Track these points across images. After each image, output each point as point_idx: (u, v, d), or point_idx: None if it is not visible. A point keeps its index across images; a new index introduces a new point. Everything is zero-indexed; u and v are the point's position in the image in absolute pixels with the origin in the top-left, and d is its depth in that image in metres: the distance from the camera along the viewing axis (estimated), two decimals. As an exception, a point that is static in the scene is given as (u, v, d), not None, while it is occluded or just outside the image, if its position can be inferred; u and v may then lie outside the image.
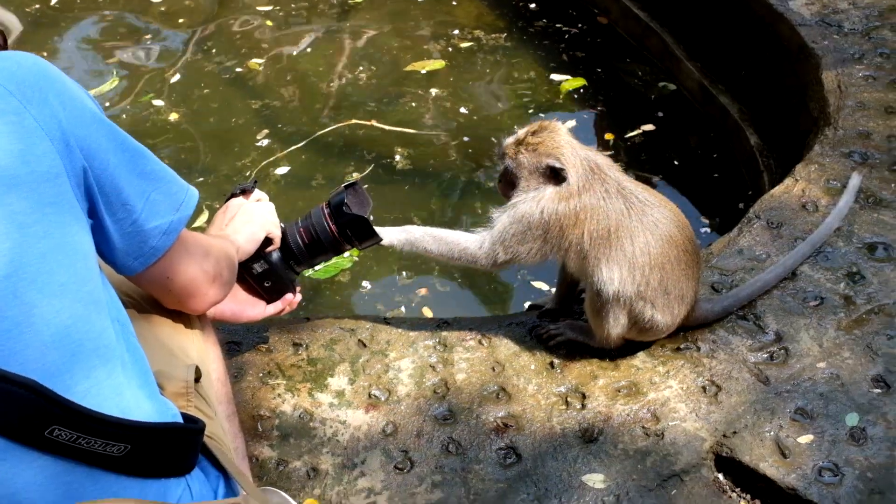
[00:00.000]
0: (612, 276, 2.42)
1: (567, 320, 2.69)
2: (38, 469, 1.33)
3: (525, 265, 2.54)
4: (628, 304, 2.45)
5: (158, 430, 1.44)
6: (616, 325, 2.49)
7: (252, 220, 2.14)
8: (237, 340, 2.67)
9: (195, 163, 4.37)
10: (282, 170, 4.29)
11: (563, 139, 2.44)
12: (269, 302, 2.31)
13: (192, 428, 1.53)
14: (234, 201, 2.20)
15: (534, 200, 2.42)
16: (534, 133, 2.46)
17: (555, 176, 2.41)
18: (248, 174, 4.25)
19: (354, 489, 2.29)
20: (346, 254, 2.72)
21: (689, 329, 2.65)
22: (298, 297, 2.35)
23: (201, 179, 4.23)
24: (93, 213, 1.48)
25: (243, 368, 2.58)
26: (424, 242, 2.57)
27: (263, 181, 4.22)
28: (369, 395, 2.52)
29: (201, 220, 3.90)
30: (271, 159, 4.34)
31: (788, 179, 3.24)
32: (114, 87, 4.87)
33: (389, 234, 2.55)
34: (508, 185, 2.51)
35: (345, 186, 2.36)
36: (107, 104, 4.74)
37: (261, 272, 2.24)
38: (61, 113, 1.41)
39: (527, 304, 3.11)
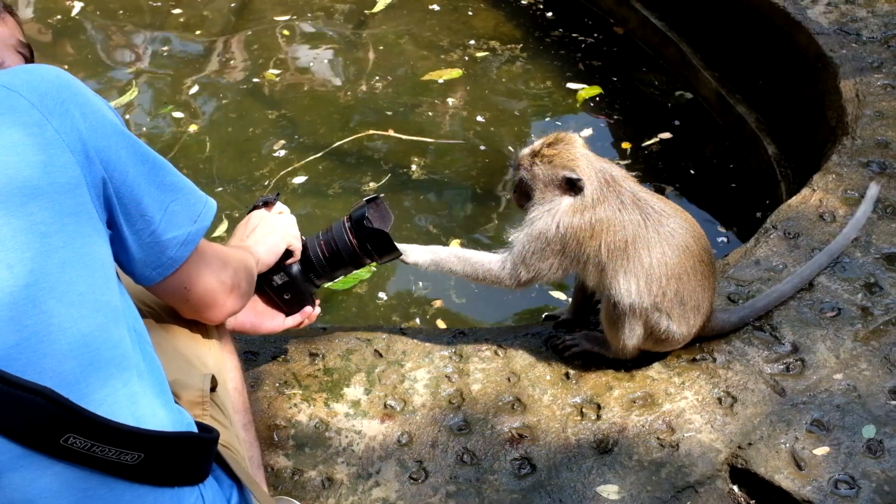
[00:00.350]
0: (630, 288, 2.42)
1: (583, 331, 2.69)
2: (53, 476, 1.35)
3: (549, 282, 2.54)
4: (644, 315, 2.45)
5: (172, 439, 1.46)
6: (632, 336, 2.49)
7: (273, 233, 2.16)
8: (254, 350, 2.69)
9: (214, 173, 4.40)
10: (299, 179, 4.32)
11: (578, 151, 2.45)
12: (288, 314, 2.33)
13: (205, 437, 1.55)
14: (256, 213, 2.22)
15: (549, 215, 2.43)
16: (549, 144, 2.46)
17: (571, 187, 2.42)
18: (266, 184, 4.28)
19: (369, 499, 2.30)
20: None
21: (706, 339, 2.65)
22: (318, 310, 2.37)
23: (220, 189, 4.26)
24: (112, 223, 1.51)
25: (260, 378, 2.60)
26: (450, 263, 2.59)
27: (281, 191, 4.24)
28: (385, 406, 2.53)
29: (221, 230, 3.93)
30: (289, 169, 4.37)
31: (806, 189, 3.23)
32: (133, 97, 4.91)
33: (416, 254, 2.57)
34: (523, 195, 2.52)
35: (366, 200, 2.37)
36: (126, 116, 4.79)
37: (280, 284, 2.26)
38: (82, 125, 1.43)
39: (543, 315, 3.11)
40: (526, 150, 2.51)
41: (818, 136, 3.73)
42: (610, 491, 2.30)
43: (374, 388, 2.59)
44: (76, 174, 1.41)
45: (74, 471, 1.36)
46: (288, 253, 2.23)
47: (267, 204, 2.24)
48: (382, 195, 2.43)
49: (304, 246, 2.32)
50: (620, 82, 5.00)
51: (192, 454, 1.51)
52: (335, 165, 4.45)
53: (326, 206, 4.20)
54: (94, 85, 4.97)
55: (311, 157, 4.45)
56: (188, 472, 1.51)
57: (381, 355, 2.69)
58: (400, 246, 2.43)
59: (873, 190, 3.02)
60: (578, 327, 2.74)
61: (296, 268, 2.29)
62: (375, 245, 2.34)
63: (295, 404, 2.53)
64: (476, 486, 2.33)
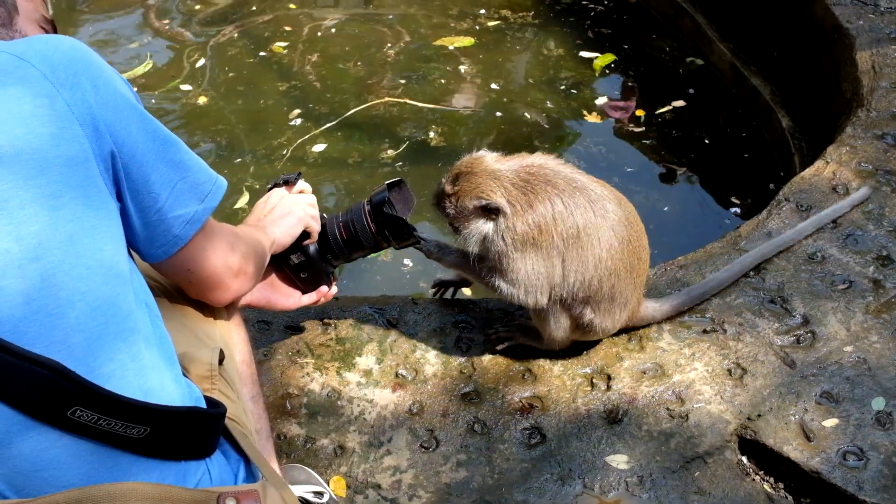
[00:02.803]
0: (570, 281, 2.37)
1: (518, 321, 2.64)
2: (62, 448, 1.36)
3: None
4: (569, 308, 2.42)
5: (178, 413, 1.46)
6: (558, 329, 2.46)
7: (291, 213, 2.15)
8: (267, 320, 2.71)
9: (231, 144, 4.41)
10: (318, 147, 4.32)
11: (480, 176, 2.32)
12: (304, 292, 2.33)
13: (212, 413, 1.55)
14: (276, 191, 2.21)
15: (497, 235, 2.33)
16: (452, 181, 2.36)
17: (490, 211, 2.32)
18: (284, 153, 4.28)
19: (380, 467, 2.33)
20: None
21: (633, 329, 2.63)
22: (334, 289, 2.36)
23: (238, 160, 4.26)
24: (118, 198, 1.50)
25: (273, 347, 2.63)
26: (469, 274, 2.53)
27: (300, 160, 4.25)
28: (396, 375, 2.56)
29: (242, 202, 3.95)
30: (306, 137, 4.37)
31: (819, 162, 3.22)
32: (148, 69, 4.91)
33: (435, 249, 2.51)
34: (457, 231, 2.43)
35: (388, 184, 2.36)
36: (135, 88, 4.78)
37: (297, 263, 2.26)
38: (93, 97, 1.43)
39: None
40: (437, 192, 2.40)
41: (833, 109, 3.71)
42: (619, 460, 2.32)
43: (386, 357, 2.61)
44: (85, 147, 1.40)
45: (82, 443, 1.37)
46: (305, 233, 2.22)
47: (287, 183, 2.22)
48: (403, 180, 2.40)
49: (323, 226, 2.32)
50: (631, 50, 4.97)
51: (199, 429, 1.51)
52: (353, 134, 4.46)
53: (346, 174, 4.20)
54: (107, 58, 4.97)
55: (328, 125, 4.45)
56: (195, 447, 1.51)
57: (393, 325, 2.71)
58: (422, 236, 2.40)
59: (861, 193, 2.98)
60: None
61: (313, 248, 2.28)
62: (393, 231, 2.33)
63: (307, 373, 2.56)
64: (486, 455, 2.35)
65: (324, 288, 2.34)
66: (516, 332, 2.61)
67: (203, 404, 1.58)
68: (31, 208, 1.34)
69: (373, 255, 2.80)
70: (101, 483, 1.36)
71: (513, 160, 2.37)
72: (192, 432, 1.49)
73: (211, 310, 1.89)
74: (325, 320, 2.72)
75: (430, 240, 2.52)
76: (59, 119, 1.38)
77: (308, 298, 2.33)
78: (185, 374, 1.64)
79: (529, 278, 2.35)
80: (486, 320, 2.71)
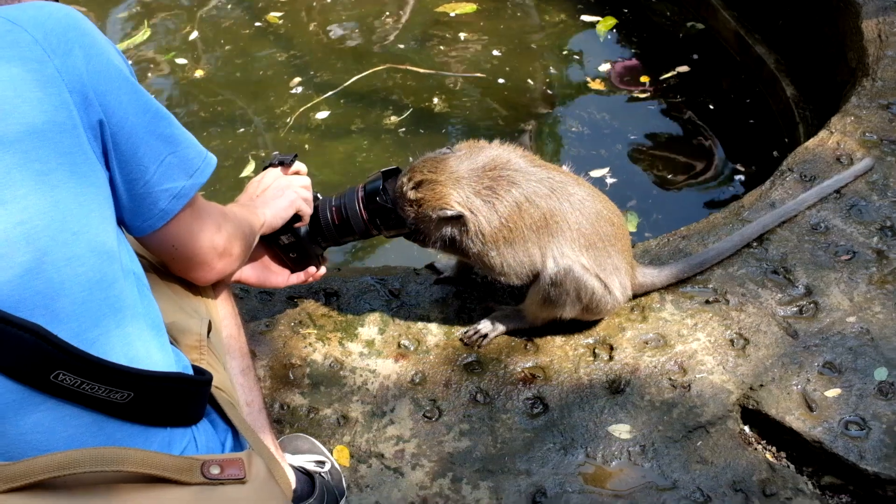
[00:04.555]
0: (561, 263, 2.36)
1: (495, 311, 2.59)
2: (44, 412, 1.36)
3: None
4: (579, 287, 2.40)
5: (161, 378, 1.45)
6: (572, 310, 2.45)
7: (283, 196, 2.13)
8: (269, 291, 2.71)
9: (232, 114, 4.38)
10: (321, 114, 4.30)
11: (443, 185, 2.29)
12: (293, 271, 2.33)
13: (197, 379, 1.54)
14: (270, 171, 2.20)
15: (466, 239, 2.33)
16: (414, 187, 2.31)
17: (456, 219, 2.32)
18: (288, 121, 4.26)
19: (383, 437, 2.34)
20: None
21: (634, 297, 2.62)
22: (323, 270, 2.36)
23: (242, 130, 4.24)
24: (107, 167, 1.49)
25: (275, 317, 2.63)
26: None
27: (303, 127, 4.23)
28: (399, 345, 2.56)
29: (248, 170, 3.94)
30: (309, 105, 4.35)
31: (823, 132, 3.20)
32: (146, 37, 4.87)
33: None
34: (420, 232, 2.41)
35: (383, 172, 2.35)
36: (130, 61, 4.73)
37: (287, 244, 2.26)
38: (84, 66, 1.42)
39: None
40: (398, 195, 2.34)
41: (838, 78, 3.68)
42: (622, 430, 2.33)
43: (388, 328, 2.61)
44: (72, 114, 1.39)
45: (66, 407, 1.37)
46: (297, 215, 2.21)
47: (283, 164, 2.21)
48: (400, 168, 2.38)
49: (316, 208, 2.30)
50: (631, 14, 4.94)
51: (183, 395, 1.50)
52: (355, 101, 4.43)
53: (350, 141, 4.19)
54: (103, 26, 4.92)
55: (331, 93, 4.42)
56: (180, 414, 1.50)
57: (395, 296, 2.71)
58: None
59: (865, 163, 2.96)
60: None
61: (304, 230, 2.27)
62: (385, 220, 2.33)
63: (310, 343, 2.56)
64: (489, 425, 2.36)
65: (312, 268, 2.33)
66: (498, 323, 2.56)
67: (191, 373, 1.58)
68: (18, 173, 1.34)
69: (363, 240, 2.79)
70: (85, 447, 1.36)
71: (475, 159, 2.34)
72: (176, 398, 1.49)
73: (197, 286, 1.87)
74: (328, 291, 2.72)
75: None
76: (48, 85, 1.37)
77: (296, 278, 2.33)
78: (174, 344, 1.64)
79: (514, 267, 2.38)
80: (487, 290, 2.71)
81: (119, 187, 1.52)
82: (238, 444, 1.62)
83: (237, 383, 1.88)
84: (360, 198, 2.31)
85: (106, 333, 1.41)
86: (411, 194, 2.31)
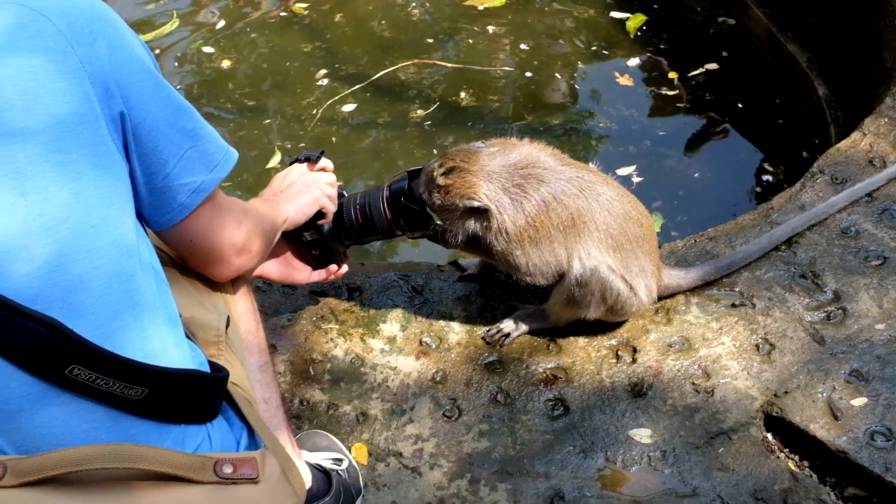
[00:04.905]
0: (587, 264, 2.34)
1: (518, 310, 2.58)
2: (60, 406, 1.36)
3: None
4: (605, 288, 2.37)
5: (176, 375, 1.45)
6: (596, 311, 2.42)
7: (307, 192, 2.12)
8: (292, 285, 2.70)
9: (258, 106, 4.38)
10: (348, 107, 4.30)
11: (475, 175, 2.28)
12: (315, 268, 2.32)
13: (213, 376, 1.54)
14: (296, 167, 2.18)
15: (490, 235, 2.31)
16: (445, 173, 2.29)
17: (481, 212, 2.29)
18: (314, 112, 4.25)
19: (402, 435, 2.33)
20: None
21: (660, 299, 2.59)
22: (345, 268, 2.35)
23: (268, 122, 4.24)
24: (127, 160, 1.48)
25: (297, 312, 2.62)
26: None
27: (330, 120, 4.22)
28: (420, 343, 2.55)
29: (274, 162, 3.94)
30: (336, 98, 4.34)
31: (856, 133, 3.14)
32: (175, 27, 4.87)
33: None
34: (443, 222, 2.39)
35: (409, 172, 2.33)
36: (157, 51, 4.74)
37: (310, 241, 2.25)
38: (107, 57, 1.41)
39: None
40: (428, 178, 2.33)
41: (872, 78, 3.62)
42: (643, 434, 2.31)
43: (410, 324, 2.60)
44: (94, 106, 1.39)
45: (80, 402, 1.37)
46: (321, 212, 2.20)
47: (309, 160, 2.20)
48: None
49: (340, 206, 2.29)
50: (661, 10, 4.88)
51: (199, 392, 1.50)
52: (382, 94, 4.41)
53: (376, 134, 4.18)
54: (128, 16, 4.93)
55: (358, 87, 4.41)
56: (195, 411, 1.50)
57: (418, 292, 2.70)
58: (439, 225, 2.36)
59: None
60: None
61: (327, 227, 2.26)
62: (409, 221, 2.31)
63: (331, 339, 2.56)
64: (509, 426, 2.35)
65: (333, 266, 2.32)
66: (521, 322, 2.54)
67: (207, 369, 1.57)
68: (38, 164, 1.33)
69: (386, 240, 2.78)
70: (98, 443, 1.36)
71: (507, 156, 2.32)
72: (191, 395, 1.48)
73: (216, 282, 1.86)
74: (350, 286, 2.71)
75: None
76: (70, 75, 1.37)
77: (318, 275, 2.32)
78: (191, 339, 1.63)
79: (539, 267, 2.35)
80: (511, 289, 2.69)
81: (139, 180, 1.51)
82: (253, 442, 1.62)
83: (254, 380, 1.88)
84: (385, 197, 2.30)
85: (123, 328, 1.41)
86: (441, 179, 2.29)
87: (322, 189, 2.17)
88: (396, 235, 2.38)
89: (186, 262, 1.78)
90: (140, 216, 1.57)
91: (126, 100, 1.44)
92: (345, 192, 2.34)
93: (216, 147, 1.60)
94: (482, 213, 2.29)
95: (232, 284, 1.91)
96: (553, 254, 2.34)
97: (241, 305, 1.93)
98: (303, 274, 2.31)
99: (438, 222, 2.37)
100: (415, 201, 2.29)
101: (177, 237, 1.64)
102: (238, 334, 1.87)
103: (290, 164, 2.22)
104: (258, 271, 2.15)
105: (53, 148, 1.34)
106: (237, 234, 1.72)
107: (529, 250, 2.33)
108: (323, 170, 2.22)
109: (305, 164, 2.20)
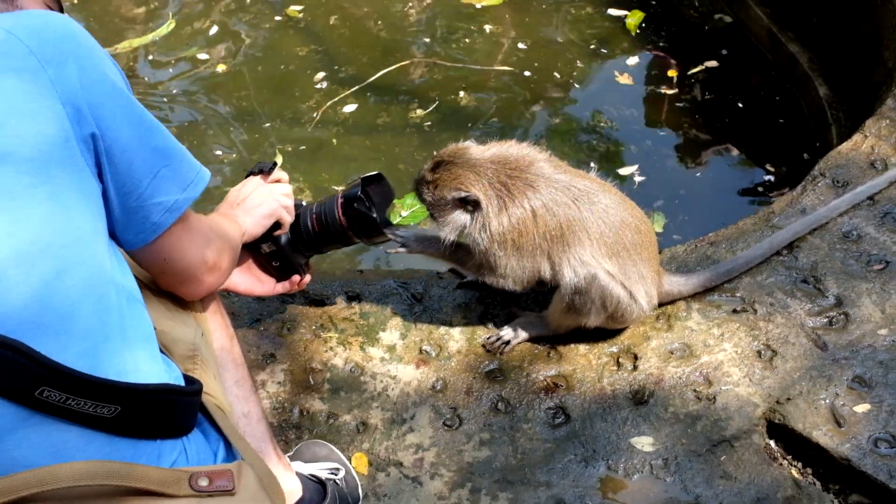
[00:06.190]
0: (580, 272, 2.33)
1: (519, 317, 2.57)
2: (31, 427, 1.35)
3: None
4: (604, 295, 2.36)
5: (148, 391, 1.44)
6: (596, 319, 2.41)
7: (262, 204, 2.12)
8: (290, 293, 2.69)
9: (257, 109, 4.36)
10: (348, 108, 4.29)
11: (461, 167, 2.30)
12: (279, 280, 2.32)
13: (185, 389, 1.53)
14: (251, 179, 2.18)
15: (476, 231, 2.32)
16: (433, 168, 2.33)
17: (468, 203, 2.30)
18: (314, 115, 4.24)
19: (403, 444, 2.32)
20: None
21: (660, 305, 2.58)
22: (307, 278, 2.35)
23: (267, 125, 4.22)
24: (98, 180, 1.47)
25: (297, 320, 2.61)
26: (441, 259, 2.52)
27: (329, 121, 4.21)
28: (420, 351, 2.54)
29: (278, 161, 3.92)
30: (335, 99, 4.33)
31: (857, 135, 3.13)
32: (171, 29, 4.84)
33: (407, 240, 2.47)
34: (436, 219, 2.41)
35: (362, 179, 2.33)
36: (150, 56, 4.71)
37: (268, 252, 2.25)
38: (78, 78, 1.40)
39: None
40: (417, 178, 2.38)
41: (873, 78, 3.60)
42: (644, 443, 2.30)
43: (410, 333, 2.59)
44: (65, 126, 1.38)
45: (52, 423, 1.36)
46: (277, 223, 2.19)
47: (262, 172, 2.19)
48: (382, 173, 2.35)
49: (298, 216, 2.29)
50: (659, 7, 4.86)
51: (172, 406, 1.49)
52: (381, 95, 4.40)
53: (376, 135, 4.17)
54: (126, 23, 4.91)
55: (357, 87, 4.39)
56: (169, 425, 1.49)
57: (417, 300, 2.68)
58: (391, 230, 2.38)
59: None
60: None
61: (284, 238, 2.26)
62: (363, 227, 2.31)
63: (331, 347, 2.54)
64: (510, 435, 2.33)
65: (295, 277, 2.32)
66: (520, 329, 2.53)
67: (182, 383, 1.56)
68: (9, 185, 1.32)
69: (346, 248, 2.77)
70: (70, 462, 1.35)
71: (496, 153, 2.33)
72: (165, 410, 1.48)
73: (185, 301, 1.84)
74: (350, 294, 2.70)
75: (407, 234, 2.47)
76: (41, 97, 1.36)
77: (282, 287, 2.33)
78: (166, 354, 1.62)
79: (516, 272, 2.36)
80: (510, 296, 2.68)
81: (112, 200, 1.50)
82: (231, 453, 1.60)
83: (232, 395, 1.86)
84: (339, 204, 2.30)
85: (94, 347, 1.40)
86: (428, 175, 2.33)
87: (278, 200, 2.16)
88: (353, 242, 2.37)
89: (158, 281, 1.76)
90: (113, 236, 1.56)
91: (98, 120, 1.42)
92: (303, 202, 2.33)
93: (189, 166, 1.59)
94: (472, 204, 2.30)
95: (201, 303, 1.90)
96: (533, 261, 2.33)
97: (213, 322, 1.91)
98: (267, 286, 2.31)
99: (399, 232, 2.41)
100: (368, 207, 2.29)
101: (150, 256, 1.63)
102: (211, 350, 1.86)
103: (246, 176, 2.21)
104: (224, 285, 2.14)
105: (24, 169, 1.33)
106: (208, 251, 1.72)
107: (510, 252, 2.32)
108: (277, 181, 2.21)
109: (259, 176, 2.19)
